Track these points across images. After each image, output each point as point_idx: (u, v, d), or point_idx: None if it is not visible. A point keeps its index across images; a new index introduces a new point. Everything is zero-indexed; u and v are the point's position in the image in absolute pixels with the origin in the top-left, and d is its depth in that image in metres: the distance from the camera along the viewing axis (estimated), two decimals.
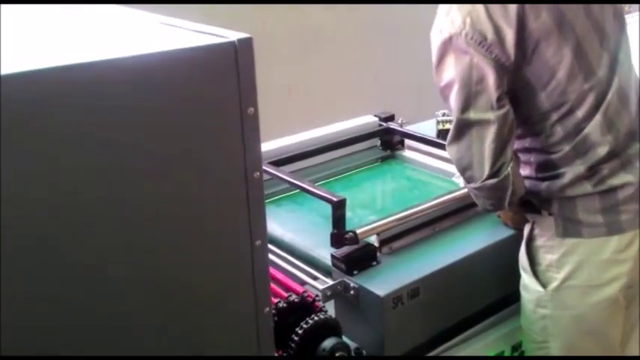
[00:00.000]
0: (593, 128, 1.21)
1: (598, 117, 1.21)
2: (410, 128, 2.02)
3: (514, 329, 1.45)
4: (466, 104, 1.19)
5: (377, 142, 1.97)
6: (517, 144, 1.28)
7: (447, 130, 1.92)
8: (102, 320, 0.84)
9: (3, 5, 0.74)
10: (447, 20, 1.17)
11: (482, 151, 1.20)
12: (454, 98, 1.20)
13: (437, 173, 1.83)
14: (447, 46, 1.18)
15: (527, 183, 1.29)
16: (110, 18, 1.06)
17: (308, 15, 2.79)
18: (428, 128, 2.03)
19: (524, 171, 1.29)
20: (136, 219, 0.83)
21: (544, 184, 1.27)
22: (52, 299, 0.79)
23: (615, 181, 1.22)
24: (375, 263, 1.33)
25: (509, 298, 1.47)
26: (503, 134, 1.20)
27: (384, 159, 1.95)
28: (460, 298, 1.37)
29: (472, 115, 1.19)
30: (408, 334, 1.30)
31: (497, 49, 1.15)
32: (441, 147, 1.87)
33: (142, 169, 0.82)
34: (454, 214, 1.50)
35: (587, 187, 1.23)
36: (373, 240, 1.37)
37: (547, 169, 1.26)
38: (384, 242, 1.38)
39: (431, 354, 1.34)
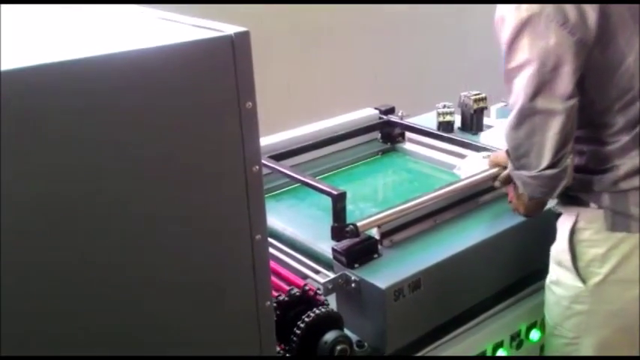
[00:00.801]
0: None
1: None
2: (410, 121, 2.02)
3: (514, 318, 1.45)
4: (536, 91, 1.16)
5: (377, 135, 1.97)
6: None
7: (447, 123, 1.97)
8: (101, 317, 0.84)
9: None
10: None
11: (543, 140, 1.18)
12: (524, 83, 1.16)
13: (437, 165, 1.83)
14: (524, 25, 1.14)
15: (576, 175, 1.25)
16: (108, 14, 1.06)
17: (306, 12, 2.78)
18: (428, 120, 2.03)
19: (575, 161, 1.26)
20: (135, 214, 0.83)
21: (596, 177, 1.25)
22: (51, 297, 0.79)
23: None
24: (376, 256, 1.33)
25: (510, 290, 1.47)
26: (568, 127, 1.18)
27: (384, 152, 1.95)
28: (461, 290, 1.37)
29: (540, 103, 1.16)
30: (409, 326, 1.30)
31: (580, 30, 1.14)
32: (442, 139, 1.89)
33: (140, 163, 0.82)
34: (455, 206, 1.50)
35: (637, 182, 1.21)
36: (374, 233, 1.37)
37: (601, 160, 1.24)
38: (384, 235, 1.38)
39: (432, 346, 1.34)
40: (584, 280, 1.28)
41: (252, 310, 0.99)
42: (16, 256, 0.75)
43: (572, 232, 1.29)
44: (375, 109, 1.98)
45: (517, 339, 1.48)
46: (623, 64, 1.19)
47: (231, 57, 0.85)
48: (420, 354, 1.33)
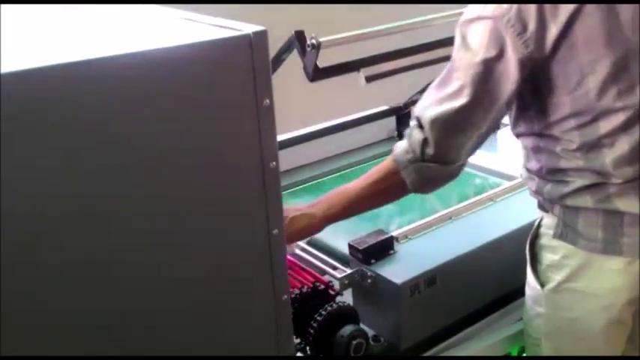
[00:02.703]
0: (613, 152, 1.13)
1: (623, 142, 1.12)
2: None
3: None
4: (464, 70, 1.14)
5: (394, 133, 1.99)
6: (531, 141, 1.24)
7: None
8: (116, 311, 0.86)
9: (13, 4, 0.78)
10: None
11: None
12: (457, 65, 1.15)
13: None
14: (483, 20, 1.11)
15: (535, 181, 1.25)
16: (129, 13, 1.08)
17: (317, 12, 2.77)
18: None
19: (534, 167, 1.25)
20: (152, 211, 0.85)
21: (548, 187, 1.23)
22: (63, 295, 0.81)
23: (621, 204, 1.15)
24: (392, 252, 1.34)
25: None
26: (464, 121, 1.17)
27: None
28: (478, 285, 1.38)
29: (458, 75, 1.15)
30: (425, 322, 1.31)
31: (534, 44, 1.09)
32: None
33: (159, 161, 0.84)
34: (471, 202, 1.51)
35: (589, 201, 1.17)
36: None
37: (554, 172, 1.21)
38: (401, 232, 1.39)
39: (449, 341, 1.36)
40: (542, 284, 1.26)
41: (269, 303, 1.01)
42: (25, 252, 0.77)
43: (535, 236, 1.28)
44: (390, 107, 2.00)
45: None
46: (582, 86, 1.11)
47: (249, 55, 0.87)
48: (436, 349, 1.34)
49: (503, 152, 1.81)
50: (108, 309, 0.85)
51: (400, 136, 1.97)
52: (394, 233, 1.38)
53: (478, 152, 1.80)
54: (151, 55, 0.81)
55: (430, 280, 1.28)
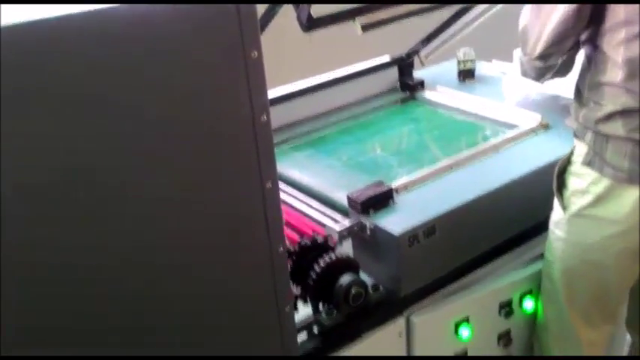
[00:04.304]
0: None
1: None
2: (431, 68, 2.00)
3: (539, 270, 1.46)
4: None
5: (396, 84, 1.97)
6: (586, 49, 1.28)
7: (468, 70, 1.94)
8: (114, 266, 0.88)
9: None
10: None
11: (542, 30, 1.24)
12: None
13: (457, 113, 1.82)
14: None
15: (575, 105, 1.32)
16: None
17: None
18: (449, 69, 2.01)
19: (581, 82, 1.30)
20: (143, 166, 0.86)
21: (584, 111, 1.27)
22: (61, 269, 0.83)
23: None
24: (391, 203, 1.35)
25: (527, 234, 1.48)
26: (569, 25, 1.21)
27: (403, 101, 1.94)
28: (477, 235, 1.39)
29: None
30: (424, 271, 1.33)
31: None
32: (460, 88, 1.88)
33: (146, 118, 0.84)
34: (472, 151, 1.51)
35: (620, 129, 1.21)
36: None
37: (595, 89, 1.25)
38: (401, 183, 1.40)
39: (448, 288, 1.38)
40: (565, 208, 1.32)
41: (265, 255, 1.03)
42: (19, 231, 0.79)
43: (567, 162, 1.33)
44: (392, 57, 1.97)
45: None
46: None
47: (235, 7, 0.86)
48: (434, 297, 1.36)
49: (508, 101, 1.79)
50: (107, 262, 0.87)
51: (403, 87, 1.96)
52: (394, 185, 1.39)
53: (482, 101, 1.80)
54: (132, 10, 0.80)
55: (429, 230, 1.29)
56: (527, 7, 1.29)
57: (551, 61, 1.30)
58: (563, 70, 1.34)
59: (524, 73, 1.40)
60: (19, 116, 0.75)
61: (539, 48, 1.27)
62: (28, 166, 0.78)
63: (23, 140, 0.76)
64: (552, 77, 1.36)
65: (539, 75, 1.36)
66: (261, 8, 1.26)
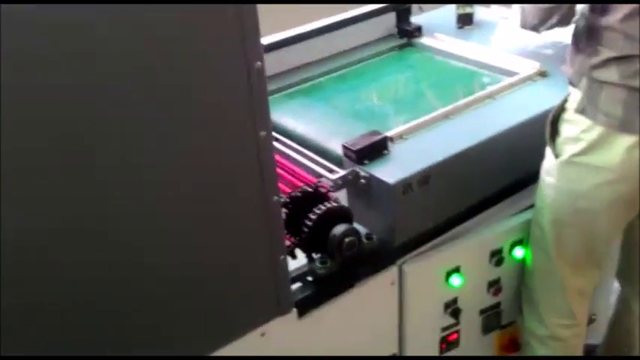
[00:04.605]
0: None
1: None
2: (429, 14, 1.95)
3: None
4: None
5: (394, 30, 1.92)
6: None
7: (467, 15, 1.90)
8: (111, 223, 0.88)
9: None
10: None
11: None
12: None
13: (455, 60, 1.79)
14: None
15: (571, 50, 1.30)
16: None
17: None
18: (447, 15, 1.96)
19: (579, 26, 1.28)
20: (134, 117, 0.85)
21: (580, 57, 1.26)
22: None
23: None
24: (385, 152, 1.34)
25: (522, 182, 1.48)
26: None
27: (401, 47, 1.90)
28: (471, 184, 1.39)
29: None
30: (418, 220, 1.33)
31: None
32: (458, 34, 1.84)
33: (138, 71, 0.83)
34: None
35: (614, 75, 1.20)
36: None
37: (593, 34, 1.23)
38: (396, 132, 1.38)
39: (442, 237, 1.38)
40: (556, 155, 1.32)
41: (259, 204, 1.03)
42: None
43: (560, 109, 1.32)
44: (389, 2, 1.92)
45: None
46: None
47: None
48: (428, 245, 1.37)
49: (506, 48, 1.76)
50: (106, 216, 0.87)
51: (400, 33, 1.91)
52: (389, 133, 1.37)
53: (478, 47, 1.77)
54: None
55: (423, 179, 1.29)
56: None
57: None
58: (567, 15, 1.30)
59: (524, 23, 1.36)
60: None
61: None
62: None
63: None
64: (555, 25, 1.32)
65: (541, 19, 1.31)
66: None
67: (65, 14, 0.75)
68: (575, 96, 1.28)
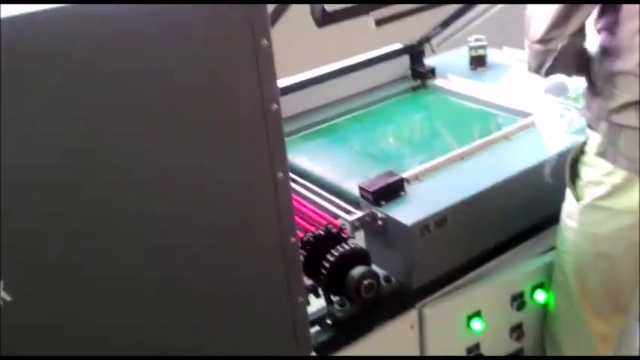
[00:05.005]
0: None
1: None
2: (442, 56, 1.97)
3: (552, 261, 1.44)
4: None
5: (407, 72, 1.94)
6: (603, 38, 1.25)
7: (480, 57, 1.92)
8: (131, 262, 0.88)
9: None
10: None
11: (545, 13, 1.22)
12: None
13: (469, 101, 1.80)
14: None
15: (589, 95, 1.30)
16: None
17: None
18: (460, 56, 1.98)
19: (595, 70, 1.28)
20: (151, 159, 0.85)
21: (598, 101, 1.26)
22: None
23: None
24: (402, 193, 1.33)
25: (540, 226, 1.46)
26: (571, 7, 1.19)
27: (414, 89, 1.92)
28: (489, 226, 1.37)
29: None
30: (436, 262, 1.31)
31: None
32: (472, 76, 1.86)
33: (155, 107, 0.83)
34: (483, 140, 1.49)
35: (633, 119, 1.19)
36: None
37: (610, 79, 1.23)
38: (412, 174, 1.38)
39: (459, 281, 1.36)
40: (578, 199, 1.31)
41: (277, 245, 1.02)
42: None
43: (580, 152, 1.32)
44: (404, 45, 1.94)
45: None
46: None
47: None
48: (446, 289, 1.35)
49: (519, 89, 1.77)
50: (123, 252, 0.87)
51: (414, 75, 1.93)
52: (405, 175, 1.37)
53: (492, 89, 1.78)
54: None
55: (441, 220, 1.27)
56: None
57: (551, 45, 1.26)
58: (562, 60, 1.28)
59: (529, 66, 1.36)
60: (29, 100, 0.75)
61: (541, 30, 1.24)
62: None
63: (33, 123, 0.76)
64: (553, 71, 1.31)
65: (539, 63, 1.31)
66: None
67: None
68: (595, 139, 1.27)
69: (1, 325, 0.79)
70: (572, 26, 1.22)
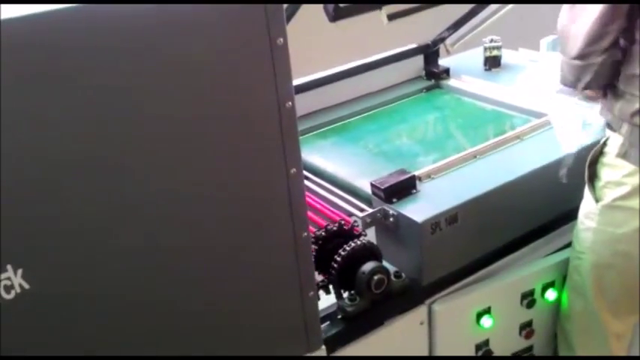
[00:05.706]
0: None
1: None
2: (457, 56, 1.98)
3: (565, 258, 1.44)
4: None
5: (421, 72, 1.96)
6: (630, 37, 1.24)
7: (494, 58, 1.93)
8: (146, 246, 0.91)
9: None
10: None
11: (581, 29, 1.22)
12: None
13: (483, 101, 1.81)
14: None
15: (610, 96, 1.30)
16: None
17: None
18: (475, 57, 1.99)
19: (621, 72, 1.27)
20: (170, 152, 0.88)
21: (620, 103, 1.26)
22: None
23: None
24: (414, 191, 1.35)
25: (551, 225, 1.47)
26: (608, 20, 1.18)
27: (428, 89, 1.93)
28: (499, 224, 1.38)
29: None
30: (446, 259, 1.33)
31: None
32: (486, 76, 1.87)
33: (173, 101, 0.86)
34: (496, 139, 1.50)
35: None
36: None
37: (629, 85, 1.24)
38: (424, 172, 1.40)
39: (469, 278, 1.37)
40: (597, 199, 1.32)
41: (289, 240, 1.04)
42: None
43: (600, 153, 1.32)
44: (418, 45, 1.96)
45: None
46: None
47: None
48: (456, 286, 1.36)
49: (533, 90, 1.77)
50: (139, 244, 0.90)
51: (428, 75, 1.94)
52: (417, 172, 1.39)
53: (506, 89, 1.79)
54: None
55: (452, 218, 1.29)
56: (565, 8, 1.27)
57: (590, 60, 1.24)
58: (602, 74, 1.27)
59: (564, 80, 1.35)
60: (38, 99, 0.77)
61: (577, 47, 1.24)
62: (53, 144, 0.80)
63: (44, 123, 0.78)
64: (590, 85, 1.30)
65: (577, 77, 1.29)
66: None
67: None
68: (615, 140, 1.28)
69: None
70: (607, 40, 1.22)
